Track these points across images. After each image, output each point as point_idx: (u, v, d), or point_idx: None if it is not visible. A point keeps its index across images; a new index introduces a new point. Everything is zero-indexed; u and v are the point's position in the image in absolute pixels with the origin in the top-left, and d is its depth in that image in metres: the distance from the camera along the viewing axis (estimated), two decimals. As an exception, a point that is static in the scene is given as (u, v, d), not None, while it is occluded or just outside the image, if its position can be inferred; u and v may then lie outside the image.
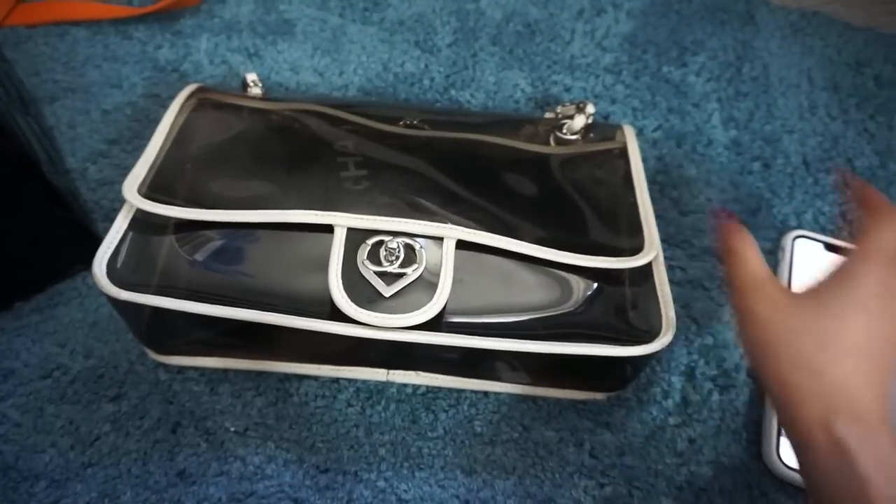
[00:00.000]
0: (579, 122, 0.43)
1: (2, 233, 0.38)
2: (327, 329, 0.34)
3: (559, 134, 0.43)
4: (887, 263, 0.29)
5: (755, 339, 0.31)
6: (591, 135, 0.44)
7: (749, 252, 0.33)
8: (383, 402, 0.40)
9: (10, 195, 0.37)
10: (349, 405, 0.40)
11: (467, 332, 0.35)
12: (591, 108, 0.44)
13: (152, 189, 0.36)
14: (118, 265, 0.35)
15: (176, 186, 0.37)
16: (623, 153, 0.43)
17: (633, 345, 0.36)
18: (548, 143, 0.43)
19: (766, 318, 0.30)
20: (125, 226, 0.36)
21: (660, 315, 0.37)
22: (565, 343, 0.35)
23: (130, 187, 0.36)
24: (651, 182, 0.51)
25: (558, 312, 0.36)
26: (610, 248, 0.37)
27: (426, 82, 0.56)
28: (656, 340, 0.36)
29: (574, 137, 0.43)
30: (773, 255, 0.48)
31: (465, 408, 0.40)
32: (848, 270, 0.30)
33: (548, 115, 0.49)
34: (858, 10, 0.66)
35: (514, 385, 0.41)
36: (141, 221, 0.36)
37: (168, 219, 0.36)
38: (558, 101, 0.56)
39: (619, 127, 0.45)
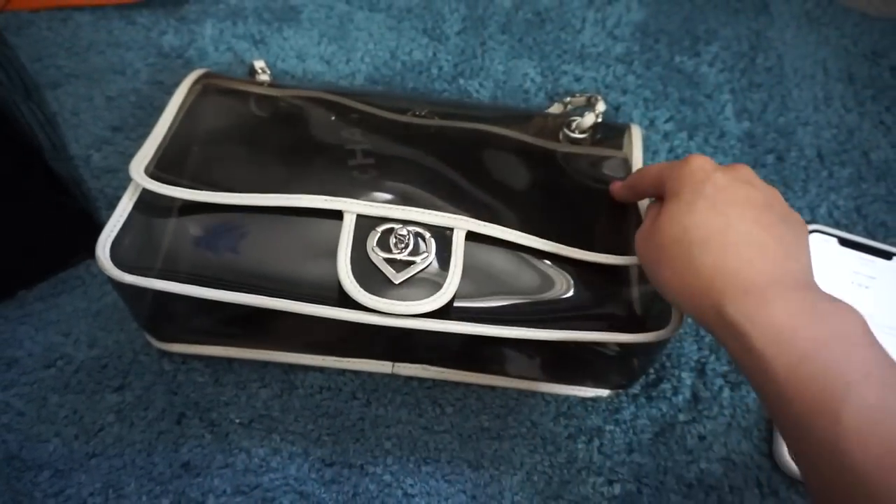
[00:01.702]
0: (588, 120, 0.42)
1: (4, 220, 0.38)
2: (335, 315, 0.33)
3: (567, 131, 0.43)
4: (681, 163, 0.32)
5: (645, 268, 0.32)
6: (600, 134, 0.43)
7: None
8: (389, 395, 0.40)
9: (12, 183, 0.37)
10: (355, 398, 0.39)
11: (474, 320, 0.34)
12: (601, 106, 0.43)
13: (159, 169, 0.36)
14: (122, 247, 0.34)
15: (182, 168, 0.37)
16: (626, 162, 0.42)
17: (639, 332, 0.35)
18: (557, 139, 0.43)
19: (641, 253, 0.33)
20: (130, 207, 0.36)
21: (668, 306, 0.36)
22: (571, 330, 0.35)
23: (137, 167, 0.36)
24: (662, 174, 0.51)
25: (565, 301, 0.36)
26: (615, 246, 0.37)
27: (434, 71, 0.55)
28: (664, 329, 0.35)
29: (583, 136, 0.43)
30: (786, 249, 0.48)
31: (473, 402, 0.40)
32: (666, 193, 0.32)
33: (556, 105, 0.48)
34: (875, 0, 0.65)
35: (520, 381, 0.40)
36: (146, 203, 0.36)
37: (173, 200, 0.36)
38: (568, 92, 0.55)
39: (627, 127, 0.44)
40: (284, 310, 0.33)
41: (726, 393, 0.41)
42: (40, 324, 0.40)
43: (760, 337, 0.25)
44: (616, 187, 0.38)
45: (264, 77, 0.45)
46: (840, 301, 0.26)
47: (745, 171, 0.31)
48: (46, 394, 0.38)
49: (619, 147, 0.43)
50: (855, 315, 0.25)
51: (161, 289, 0.33)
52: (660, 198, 0.33)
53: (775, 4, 0.62)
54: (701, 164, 0.31)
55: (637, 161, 0.42)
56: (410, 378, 0.40)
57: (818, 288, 0.27)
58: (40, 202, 0.39)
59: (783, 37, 0.60)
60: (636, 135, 0.43)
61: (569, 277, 0.36)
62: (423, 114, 0.42)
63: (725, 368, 0.42)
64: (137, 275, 0.33)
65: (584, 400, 0.41)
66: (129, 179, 0.36)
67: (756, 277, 0.27)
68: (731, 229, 0.28)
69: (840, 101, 0.56)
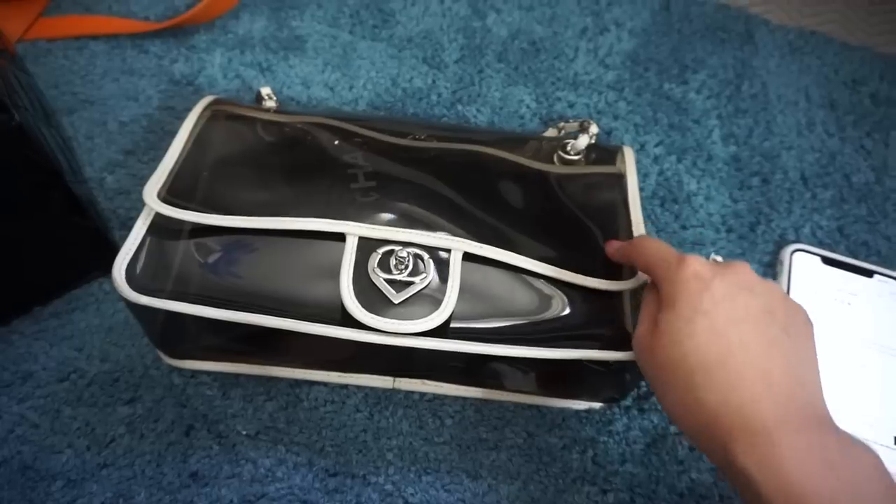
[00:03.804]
0: (583, 141, 0.44)
1: (24, 239, 0.39)
2: (338, 334, 0.35)
3: (562, 153, 0.44)
4: (676, 267, 0.30)
5: (646, 377, 0.32)
6: (594, 155, 0.45)
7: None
8: (391, 408, 0.41)
9: (33, 203, 0.38)
10: (358, 410, 0.41)
11: (471, 338, 0.36)
12: (594, 129, 0.45)
13: (171, 194, 0.38)
14: (137, 270, 0.36)
15: (193, 192, 0.38)
16: (621, 178, 0.44)
17: (630, 349, 0.36)
18: (552, 162, 0.44)
19: (641, 364, 0.32)
20: (144, 231, 0.37)
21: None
22: (565, 349, 0.36)
23: (150, 192, 0.37)
24: (652, 196, 0.53)
25: (559, 321, 0.37)
26: (609, 269, 0.38)
27: (434, 97, 0.58)
28: None
29: (577, 158, 0.44)
30: (772, 268, 0.50)
31: (471, 414, 0.41)
32: (662, 298, 0.31)
33: (551, 130, 0.50)
34: (855, 30, 0.68)
35: (516, 394, 0.42)
36: (159, 226, 0.37)
37: (184, 223, 0.37)
38: (562, 117, 0.57)
39: (620, 148, 0.46)
40: (290, 329, 0.35)
41: (715, 406, 0.43)
42: (55, 339, 0.42)
43: (770, 490, 0.24)
44: (613, 248, 0.38)
45: (271, 103, 0.47)
46: (851, 441, 0.25)
47: (744, 273, 0.30)
48: (60, 406, 0.40)
49: (613, 165, 0.45)
50: (868, 460, 0.25)
51: (172, 309, 0.35)
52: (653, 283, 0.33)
53: (760, 34, 0.65)
54: (697, 270, 0.30)
55: (631, 179, 0.43)
56: (411, 392, 0.42)
57: (829, 422, 0.26)
58: (58, 222, 0.40)
59: (767, 65, 0.63)
60: (629, 155, 0.45)
61: (562, 297, 0.38)
62: (422, 137, 0.43)
63: (714, 382, 0.44)
64: (151, 296, 0.35)
65: (578, 412, 0.42)
66: (140, 201, 0.37)
67: (763, 416, 0.25)
68: (732, 356, 0.27)
69: (822, 126, 0.59)
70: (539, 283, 0.38)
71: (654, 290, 0.32)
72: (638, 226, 0.41)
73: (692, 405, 0.27)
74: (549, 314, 0.37)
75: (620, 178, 0.44)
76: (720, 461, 0.27)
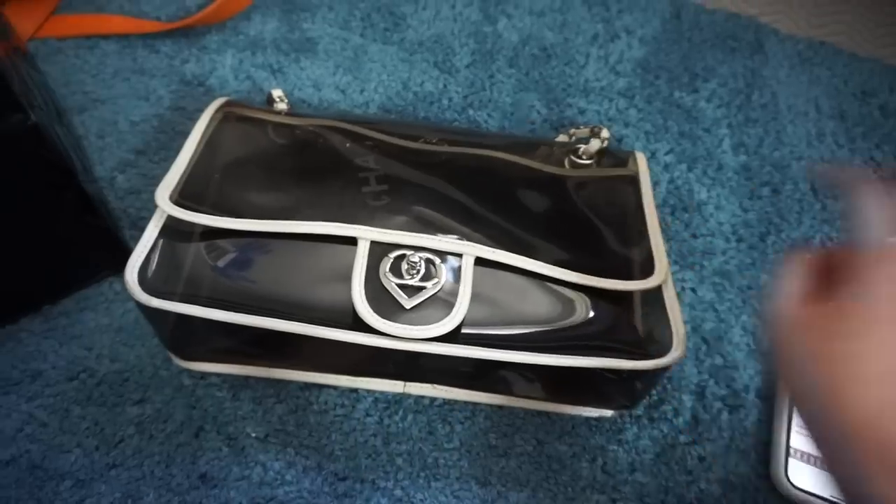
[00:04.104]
0: (594, 146, 0.44)
1: (36, 238, 0.39)
2: (349, 339, 0.35)
3: (574, 158, 0.44)
4: (874, 259, 0.25)
5: (781, 371, 0.28)
6: (605, 159, 0.45)
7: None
8: (401, 413, 0.41)
9: (46, 202, 0.38)
10: (368, 415, 0.41)
11: (482, 344, 0.36)
12: (605, 133, 0.45)
13: (183, 197, 0.38)
14: (149, 273, 0.36)
15: (205, 195, 0.38)
16: (635, 180, 0.44)
17: (643, 359, 0.36)
18: (563, 166, 0.44)
19: (783, 342, 0.27)
20: (156, 234, 0.37)
21: (670, 332, 0.37)
22: (577, 356, 0.36)
23: (162, 195, 0.37)
24: (663, 204, 0.53)
25: (571, 327, 0.37)
26: (621, 271, 0.38)
27: (444, 102, 0.58)
28: (666, 356, 0.36)
29: (589, 161, 0.44)
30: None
31: (481, 420, 0.41)
32: (858, 277, 0.26)
33: (562, 136, 0.50)
34: (862, 42, 0.68)
35: (527, 400, 0.42)
36: (170, 229, 0.37)
37: (195, 226, 0.37)
38: (573, 124, 0.57)
39: (631, 153, 0.46)
40: (300, 333, 0.35)
41: (725, 416, 0.43)
42: (64, 338, 0.42)
43: None
44: (824, 170, 0.31)
45: (282, 105, 0.47)
46: None
47: None
48: (69, 406, 0.40)
49: (626, 168, 0.45)
50: None
51: (183, 312, 0.35)
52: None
53: (769, 44, 0.65)
54: (893, 275, 0.25)
55: (645, 182, 0.43)
56: (421, 397, 0.42)
57: None
58: (70, 221, 0.40)
59: (777, 75, 0.63)
60: (641, 160, 0.45)
61: (575, 303, 0.38)
62: (433, 141, 0.43)
63: (724, 392, 0.44)
64: (162, 299, 0.35)
65: (588, 420, 0.42)
66: (151, 201, 0.37)
67: None
68: None
69: (832, 137, 0.59)
70: (551, 288, 0.38)
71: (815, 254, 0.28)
72: (653, 228, 0.41)
73: (835, 410, 0.24)
74: (561, 320, 0.37)
75: (634, 180, 0.44)
76: (846, 478, 0.24)
